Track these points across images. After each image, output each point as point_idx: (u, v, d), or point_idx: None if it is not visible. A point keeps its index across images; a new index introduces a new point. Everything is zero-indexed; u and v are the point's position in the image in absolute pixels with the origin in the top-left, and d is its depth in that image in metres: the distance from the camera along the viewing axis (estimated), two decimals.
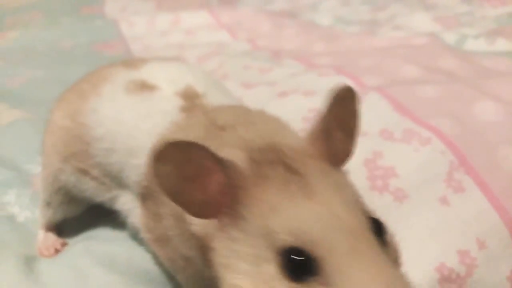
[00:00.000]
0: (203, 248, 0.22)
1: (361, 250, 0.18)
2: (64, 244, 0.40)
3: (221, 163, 0.20)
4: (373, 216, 0.21)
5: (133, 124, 0.33)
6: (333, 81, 0.53)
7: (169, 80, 0.35)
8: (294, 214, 0.19)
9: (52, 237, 0.41)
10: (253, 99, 0.52)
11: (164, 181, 0.19)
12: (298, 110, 0.47)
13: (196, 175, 0.20)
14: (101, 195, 0.37)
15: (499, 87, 0.48)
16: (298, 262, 0.18)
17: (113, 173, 0.34)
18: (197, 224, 0.22)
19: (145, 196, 0.31)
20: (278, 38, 0.82)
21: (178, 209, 0.21)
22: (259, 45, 0.79)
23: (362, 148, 0.40)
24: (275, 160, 0.21)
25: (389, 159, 0.40)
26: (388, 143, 0.41)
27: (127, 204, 0.35)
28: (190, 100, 0.33)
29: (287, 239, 0.18)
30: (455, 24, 0.84)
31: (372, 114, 0.44)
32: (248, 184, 0.20)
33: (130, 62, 0.40)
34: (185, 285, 0.33)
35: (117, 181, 0.35)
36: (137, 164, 0.31)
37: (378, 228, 0.20)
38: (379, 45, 0.67)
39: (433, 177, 0.38)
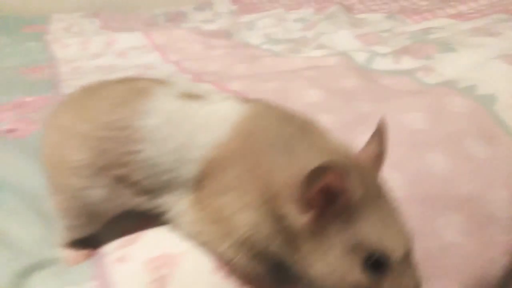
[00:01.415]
0: (289, 232, 0.27)
1: (409, 262, 0.27)
2: (88, 255, 0.35)
3: (344, 183, 0.25)
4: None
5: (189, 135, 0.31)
6: None
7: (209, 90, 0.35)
8: (380, 231, 0.26)
9: (73, 253, 0.36)
10: None
11: (307, 189, 0.25)
12: None
13: (320, 186, 0.25)
14: (139, 203, 0.33)
15: (391, 109, 0.49)
16: (375, 261, 0.25)
17: (160, 172, 0.31)
18: (297, 215, 0.26)
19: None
20: (206, 59, 0.80)
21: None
22: (185, 67, 0.77)
23: None
24: (368, 179, 0.27)
25: None
26: None
27: (170, 207, 0.33)
28: (242, 100, 0.34)
29: (372, 246, 0.26)
30: (375, 41, 0.86)
31: None
32: (355, 200, 0.26)
33: (158, 80, 0.36)
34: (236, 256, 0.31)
35: (162, 183, 0.32)
36: (193, 159, 0.31)
37: None
38: (293, 66, 0.67)
39: None
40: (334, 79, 0.56)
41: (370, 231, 0.26)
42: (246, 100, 0.34)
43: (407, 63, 0.63)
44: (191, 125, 0.31)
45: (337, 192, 0.25)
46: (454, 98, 0.49)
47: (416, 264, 0.28)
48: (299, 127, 0.30)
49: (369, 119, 0.47)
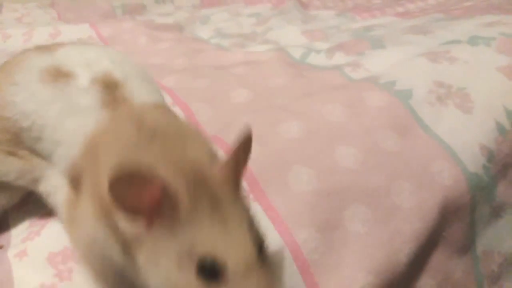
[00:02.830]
0: (126, 242, 0.26)
1: (252, 268, 0.24)
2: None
3: (164, 188, 0.23)
4: (263, 239, 0.26)
5: (57, 119, 0.32)
6: None
7: (84, 65, 0.34)
8: (212, 236, 0.24)
9: None
10: None
11: (116, 194, 0.23)
12: None
13: (142, 192, 0.23)
14: (25, 177, 0.34)
15: (313, 103, 0.49)
16: (209, 267, 0.23)
17: (42, 156, 0.34)
18: (128, 224, 0.25)
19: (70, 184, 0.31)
20: (149, 52, 0.79)
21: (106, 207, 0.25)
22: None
23: None
24: (203, 188, 0.25)
25: None
26: None
27: (51, 185, 0.34)
28: (110, 90, 0.32)
29: (204, 251, 0.24)
30: (319, 37, 0.87)
31: None
32: (181, 206, 0.24)
33: (45, 46, 0.37)
34: (85, 266, 0.30)
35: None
36: (64, 154, 0.32)
37: (261, 247, 0.26)
38: (231, 61, 0.66)
39: None
40: (263, 77, 0.57)
41: (203, 238, 0.24)
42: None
43: (338, 58, 0.64)
44: (56, 108, 0.32)
45: (156, 199, 0.24)
46: (373, 92, 0.50)
47: (268, 276, 0.25)
48: (152, 135, 0.28)
49: (288, 112, 0.47)
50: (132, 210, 0.24)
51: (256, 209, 0.37)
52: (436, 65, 0.56)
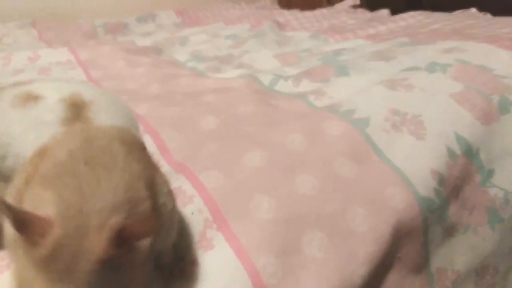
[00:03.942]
0: None
1: None
2: None
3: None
4: None
5: (21, 135, 0.35)
6: None
7: (54, 88, 0.37)
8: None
9: None
10: None
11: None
12: None
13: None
14: None
15: (276, 133, 0.52)
16: None
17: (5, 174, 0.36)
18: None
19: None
20: (125, 78, 0.81)
21: None
22: (104, 86, 0.77)
23: None
24: (69, 248, 0.24)
25: None
26: None
27: None
28: (76, 109, 0.34)
29: None
30: (292, 61, 0.90)
31: None
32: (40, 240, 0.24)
33: (21, 82, 0.40)
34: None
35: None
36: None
37: None
38: (202, 88, 0.69)
39: (190, 239, 0.40)
40: (232, 105, 0.60)
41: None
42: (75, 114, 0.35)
43: (304, 86, 0.67)
44: (23, 126, 0.35)
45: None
46: (332, 121, 0.54)
47: None
48: (86, 160, 0.29)
49: (253, 141, 0.50)
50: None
51: (219, 240, 0.40)
52: (394, 93, 0.60)
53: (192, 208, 0.42)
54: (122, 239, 0.25)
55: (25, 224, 0.24)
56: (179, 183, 0.44)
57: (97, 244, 0.24)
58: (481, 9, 1.39)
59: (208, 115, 0.56)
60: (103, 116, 0.35)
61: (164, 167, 0.48)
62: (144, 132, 0.54)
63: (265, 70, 0.79)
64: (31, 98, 0.36)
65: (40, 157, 0.31)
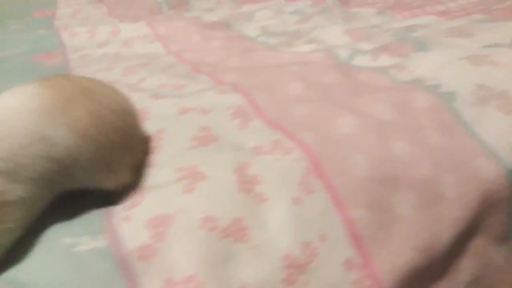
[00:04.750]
0: None
1: None
2: None
3: None
4: None
5: None
6: (227, 98, 0.58)
7: None
8: None
9: None
10: (157, 111, 0.56)
11: None
12: (191, 127, 0.51)
13: None
14: None
15: (363, 102, 0.55)
16: None
17: None
18: None
19: None
20: (204, 51, 0.86)
21: None
22: (185, 58, 0.83)
23: (234, 160, 0.46)
24: None
25: (256, 168, 0.45)
26: (257, 156, 0.46)
27: None
28: None
29: None
30: (362, 37, 0.91)
31: (251, 135, 0.50)
32: None
33: None
34: None
35: None
36: None
37: None
38: (281, 61, 0.73)
39: (289, 181, 0.44)
40: (315, 74, 0.63)
41: None
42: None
43: (383, 60, 0.69)
44: None
45: None
46: (419, 94, 0.55)
47: None
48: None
49: (343, 108, 0.53)
50: None
51: (318, 186, 0.44)
52: (478, 68, 0.60)
53: (292, 157, 0.46)
54: None
55: None
56: (276, 137, 0.49)
57: None
58: None
59: (294, 82, 0.60)
60: None
61: (257, 121, 0.53)
62: (234, 92, 0.58)
63: (339, 45, 0.81)
64: None
65: None
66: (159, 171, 0.46)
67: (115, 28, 1.04)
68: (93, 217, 0.41)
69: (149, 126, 0.53)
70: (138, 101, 0.58)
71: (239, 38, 0.95)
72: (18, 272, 0.36)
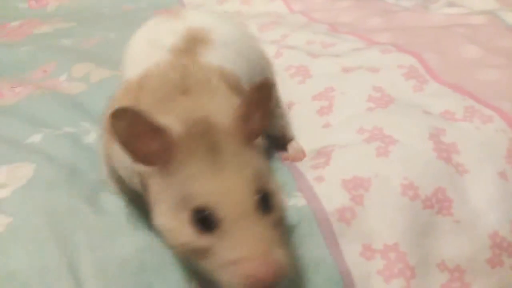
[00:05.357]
0: (143, 181, 0.28)
1: (248, 221, 0.24)
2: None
3: (159, 130, 0.25)
4: (266, 188, 0.26)
5: (143, 44, 0.37)
6: (395, 58, 0.53)
7: (198, 16, 0.38)
8: (206, 184, 0.25)
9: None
10: (319, 70, 0.53)
11: (118, 133, 0.24)
12: (363, 87, 0.48)
13: (141, 134, 0.25)
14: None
15: None
16: (203, 217, 0.24)
17: None
18: (135, 164, 0.27)
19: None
20: (332, 11, 0.81)
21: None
22: (315, 18, 0.78)
23: (427, 124, 0.42)
24: (204, 135, 0.26)
25: (451, 136, 0.40)
26: (450, 122, 0.42)
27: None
28: (193, 42, 0.34)
29: (198, 200, 0.24)
30: None
31: (434, 99, 0.45)
32: (178, 150, 0.25)
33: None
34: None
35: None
36: (125, 75, 0.36)
37: (266, 198, 0.26)
38: (435, 23, 0.66)
39: (494, 153, 0.39)
40: (490, 37, 0.56)
41: (197, 187, 0.24)
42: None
43: None
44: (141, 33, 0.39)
45: (152, 143, 0.25)
46: None
47: (267, 227, 0.25)
48: (185, 89, 0.30)
49: None
50: (137, 152, 0.25)
51: None
52: None
53: (494, 126, 0.41)
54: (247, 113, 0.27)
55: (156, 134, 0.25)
56: (468, 103, 0.44)
57: (230, 127, 0.26)
58: None
59: (466, 44, 0.54)
60: (217, 57, 0.34)
61: (434, 84, 0.48)
62: (402, 52, 0.54)
63: (497, 8, 0.72)
64: (173, 15, 0.38)
65: (140, 88, 0.31)
66: (340, 130, 0.43)
67: None
68: (282, 174, 0.40)
69: (313, 84, 0.50)
70: (294, 58, 0.56)
71: None
72: None
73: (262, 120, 0.27)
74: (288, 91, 0.51)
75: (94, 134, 0.45)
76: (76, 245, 0.31)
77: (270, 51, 0.59)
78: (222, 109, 0.28)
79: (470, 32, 0.58)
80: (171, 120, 0.26)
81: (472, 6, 0.80)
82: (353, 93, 0.47)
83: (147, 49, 0.36)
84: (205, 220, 0.24)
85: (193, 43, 0.34)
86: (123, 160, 0.28)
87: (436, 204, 0.37)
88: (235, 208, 0.24)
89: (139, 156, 0.26)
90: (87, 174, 0.39)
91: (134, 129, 0.24)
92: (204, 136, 0.25)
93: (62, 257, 0.30)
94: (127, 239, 0.32)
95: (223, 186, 0.24)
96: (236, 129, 0.26)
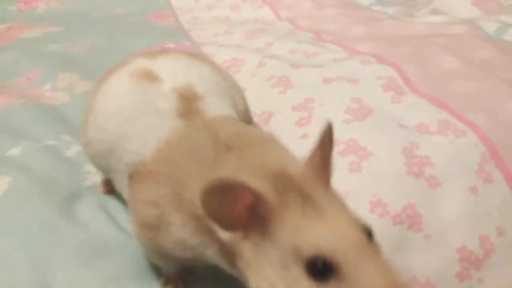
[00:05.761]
0: (226, 251, 0.27)
1: (365, 255, 0.23)
2: None
3: (254, 195, 0.24)
4: (364, 224, 0.25)
5: (132, 111, 0.34)
6: (375, 70, 0.54)
7: (172, 74, 0.36)
8: (314, 233, 0.23)
9: None
10: (300, 81, 0.53)
11: (209, 206, 0.24)
12: (342, 98, 0.48)
13: (234, 203, 0.24)
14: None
15: None
16: (320, 267, 0.23)
17: (102, 153, 0.36)
18: (224, 234, 0.25)
19: (134, 179, 0.32)
20: (318, 18, 0.81)
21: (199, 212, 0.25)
22: (301, 25, 0.79)
23: (400, 138, 0.42)
24: (290, 187, 0.25)
25: (425, 150, 0.41)
26: (424, 136, 0.43)
27: (119, 184, 0.36)
28: (187, 102, 0.33)
29: (310, 251, 0.23)
30: (495, 9, 0.81)
31: (410, 111, 0.46)
32: (273, 209, 0.24)
33: (154, 52, 0.40)
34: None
35: (106, 163, 0.36)
36: (130, 149, 0.33)
37: (369, 232, 0.25)
38: (418, 32, 0.66)
39: (465, 167, 0.40)
40: (469, 47, 0.56)
41: (305, 238, 0.23)
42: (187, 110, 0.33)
43: None
44: (132, 115, 0.34)
45: (249, 208, 0.24)
46: None
47: (384, 261, 0.24)
48: (227, 146, 0.29)
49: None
50: (226, 221, 0.24)
51: (497, 175, 0.40)
52: None
53: (466, 141, 0.42)
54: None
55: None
56: (442, 116, 0.45)
57: (310, 173, 0.26)
58: None
59: (446, 55, 0.54)
60: (214, 109, 0.34)
61: (411, 96, 0.49)
62: (383, 64, 0.54)
63: (478, 18, 0.73)
64: (147, 77, 0.36)
65: (170, 161, 0.30)
66: None
67: None
68: None
69: (294, 95, 0.51)
70: (276, 68, 0.56)
71: (353, 6, 0.89)
72: None
73: (332, 161, 0.28)
74: (269, 101, 0.52)
75: (75, 148, 0.45)
76: (49, 263, 0.31)
77: (253, 60, 0.60)
78: (287, 158, 0.28)
79: (450, 42, 0.58)
80: (250, 179, 0.24)
81: (456, 14, 0.81)
82: (331, 105, 0.48)
83: (145, 118, 0.34)
84: (321, 270, 0.23)
85: (188, 103, 0.34)
86: (180, 237, 0.28)
87: (406, 220, 0.37)
88: (352, 249, 0.23)
89: (226, 221, 0.25)
90: (64, 187, 0.39)
91: (228, 200, 0.24)
92: (291, 188, 0.25)
93: (35, 276, 0.30)
94: (103, 261, 0.32)
95: (333, 230, 0.23)
96: (317, 174, 0.26)
